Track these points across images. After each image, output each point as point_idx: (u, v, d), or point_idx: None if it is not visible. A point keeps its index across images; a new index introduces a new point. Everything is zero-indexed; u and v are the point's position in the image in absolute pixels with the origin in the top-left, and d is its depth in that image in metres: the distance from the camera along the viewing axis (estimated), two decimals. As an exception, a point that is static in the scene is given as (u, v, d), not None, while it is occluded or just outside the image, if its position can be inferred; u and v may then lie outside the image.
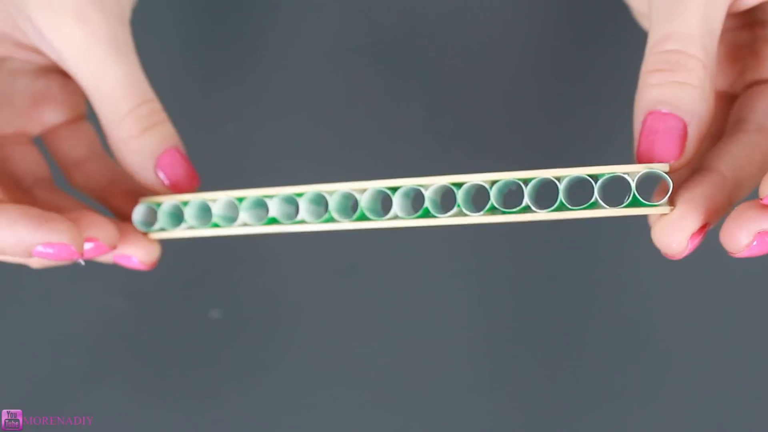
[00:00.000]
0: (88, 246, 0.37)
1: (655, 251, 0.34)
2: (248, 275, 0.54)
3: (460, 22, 0.55)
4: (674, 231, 0.33)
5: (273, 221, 0.37)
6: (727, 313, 0.53)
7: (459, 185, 0.34)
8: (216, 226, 0.38)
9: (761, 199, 0.31)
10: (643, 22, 0.41)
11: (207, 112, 0.56)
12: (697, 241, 0.33)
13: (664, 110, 0.33)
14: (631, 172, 0.33)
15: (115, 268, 0.54)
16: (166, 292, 0.54)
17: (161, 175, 0.39)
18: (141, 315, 0.53)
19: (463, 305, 0.53)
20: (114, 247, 0.37)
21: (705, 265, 0.49)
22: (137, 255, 0.39)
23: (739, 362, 0.52)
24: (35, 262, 0.38)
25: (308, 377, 0.53)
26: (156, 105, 0.39)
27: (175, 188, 0.39)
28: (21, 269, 0.54)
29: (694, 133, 0.34)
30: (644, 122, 0.34)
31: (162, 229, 0.38)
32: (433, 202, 0.35)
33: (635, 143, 0.34)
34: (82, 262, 0.36)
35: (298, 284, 0.54)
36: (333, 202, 0.36)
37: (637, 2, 0.40)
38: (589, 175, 0.33)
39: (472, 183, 0.34)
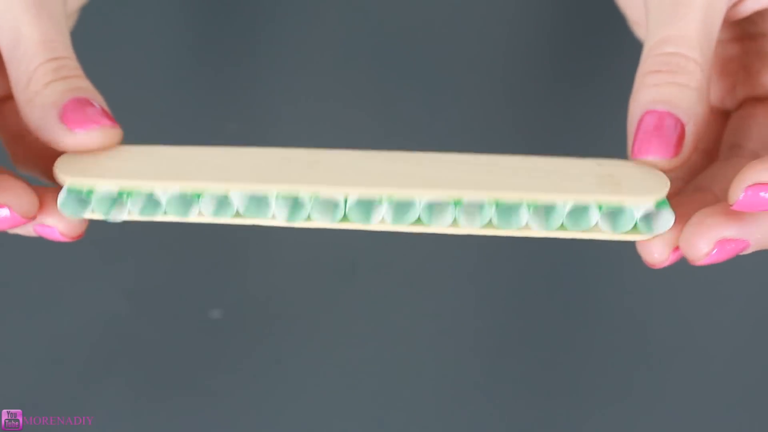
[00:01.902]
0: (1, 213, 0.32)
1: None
2: (248, 275, 0.54)
3: (460, 20, 0.55)
4: (658, 242, 0.33)
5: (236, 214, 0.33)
6: (728, 312, 0.53)
7: (458, 201, 0.33)
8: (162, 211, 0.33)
9: (731, 205, 0.30)
10: (638, 31, 0.41)
11: (207, 112, 0.56)
12: (678, 254, 0.33)
13: (662, 109, 0.33)
14: (637, 205, 0.32)
15: (115, 268, 0.54)
16: (166, 292, 0.54)
17: (68, 126, 0.33)
18: (141, 315, 0.53)
19: (463, 305, 0.53)
20: (32, 218, 0.33)
21: (707, 266, 0.49)
22: (58, 226, 0.34)
23: (740, 362, 0.52)
24: None
25: (308, 377, 0.53)
26: (70, 62, 0.35)
27: (87, 142, 0.34)
28: (21, 269, 0.54)
29: (691, 133, 0.33)
30: (641, 120, 0.33)
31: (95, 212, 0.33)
32: (427, 208, 0.33)
33: (630, 141, 0.34)
34: None
35: (298, 284, 0.54)
36: (313, 206, 0.33)
37: (632, 11, 0.40)
38: (595, 204, 0.32)
39: (470, 199, 0.32)
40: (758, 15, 0.38)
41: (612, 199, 0.32)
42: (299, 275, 0.54)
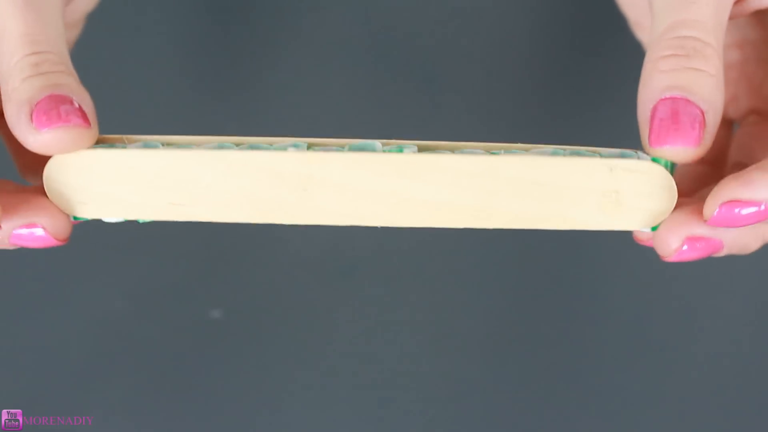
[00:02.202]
0: (30, 231, 0.33)
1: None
2: (248, 275, 0.54)
3: (459, 19, 0.55)
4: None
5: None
6: (728, 312, 0.53)
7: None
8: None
9: (706, 220, 0.30)
10: (638, 32, 0.40)
11: (208, 112, 0.56)
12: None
13: (678, 95, 0.30)
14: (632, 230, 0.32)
15: (115, 268, 0.54)
16: (166, 292, 0.54)
17: (35, 125, 0.31)
18: (141, 315, 0.53)
19: (463, 305, 0.53)
20: (63, 240, 0.33)
21: (706, 264, 0.49)
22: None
23: (740, 362, 0.52)
24: None
25: (308, 377, 0.53)
26: (52, 57, 0.32)
27: (54, 142, 0.31)
28: (21, 269, 0.54)
29: (711, 123, 0.31)
30: (656, 107, 0.31)
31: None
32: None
33: (644, 130, 0.31)
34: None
35: (298, 284, 0.54)
36: None
37: (633, 12, 0.40)
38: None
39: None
40: (758, 18, 0.38)
41: (608, 229, 0.32)
42: (299, 275, 0.54)
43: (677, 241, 0.31)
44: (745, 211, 0.30)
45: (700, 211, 0.31)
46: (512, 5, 0.55)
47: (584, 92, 0.54)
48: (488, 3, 0.55)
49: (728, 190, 0.30)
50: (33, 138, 0.31)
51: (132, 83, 0.55)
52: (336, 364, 0.53)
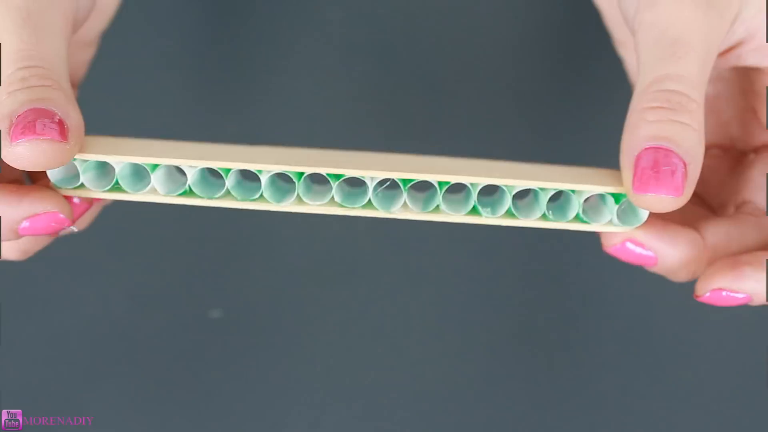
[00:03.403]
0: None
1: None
2: (248, 275, 0.54)
3: (460, 20, 0.55)
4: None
5: (189, 192, 0.34)
6: (729, 312, 0.53)
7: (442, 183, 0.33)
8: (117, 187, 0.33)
9: (697, 296, 0.34)
10: (622, 51, 0.40)
11: (207, 113, 0.56)
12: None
13: (664, 146, 0.32)
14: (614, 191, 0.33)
15: (115, 268, 0.54)
16: (166, 292, 0.54)
17: (10, 138, 0.31)
18: (141, 315, 0.53)
19: (463, 306, 0.53)
20: (72, 222, 0.33)
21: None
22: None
23: (740, 362, 0.53)
24: (19, 251, 0.35)
25: (308, 377, 0.53)
26: (41, 71, 0.32)
27: (27, 156, 0.31)
28: (20, 268, 0.54)
29: (693, 174, 0.32)
30: (639, 157, 0.32)
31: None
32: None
33: (628, 176, 0.32)
34: (75, 229, 0.33)
35: (298, 284, 0.54)
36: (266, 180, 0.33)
37: (618, 32, 0.40)
38: (572, 191, 0.33)
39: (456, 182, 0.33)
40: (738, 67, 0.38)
41: (590, 189, 0.33)
42: (299, 275, 0.54)
43: (618, 239, 0.34)
44: (733, 297, 0.34)
45: (648, 226, 0.34)
46: (512, 16, 0.55)
47: (582, 95, 0.54)
48: (489, 8, 0.55)
49: (720, 279, 0.34)
50: (5, 151, 0.31)
51: (125, 80, 0.55)
52: (336, 364, 0.53)
